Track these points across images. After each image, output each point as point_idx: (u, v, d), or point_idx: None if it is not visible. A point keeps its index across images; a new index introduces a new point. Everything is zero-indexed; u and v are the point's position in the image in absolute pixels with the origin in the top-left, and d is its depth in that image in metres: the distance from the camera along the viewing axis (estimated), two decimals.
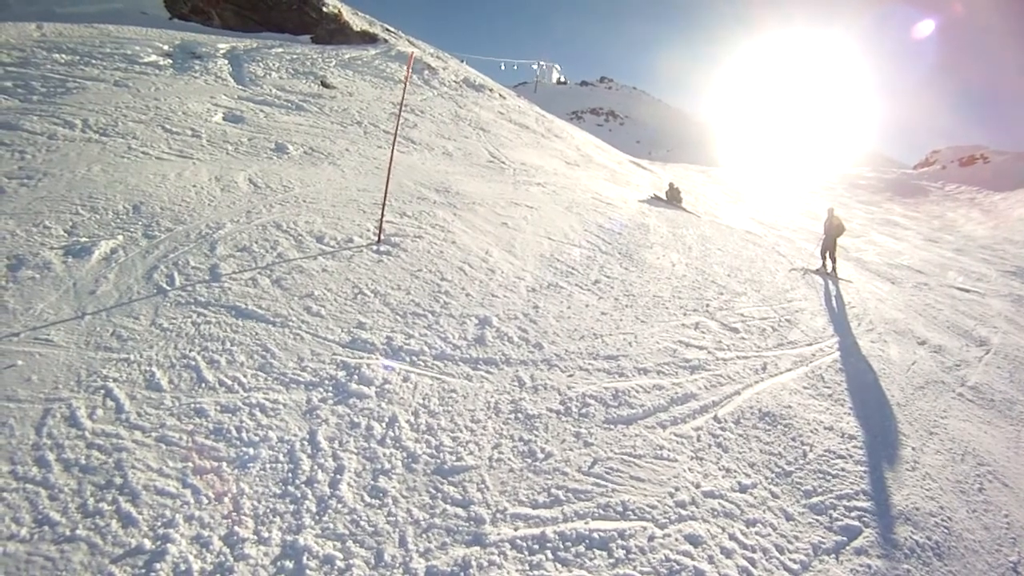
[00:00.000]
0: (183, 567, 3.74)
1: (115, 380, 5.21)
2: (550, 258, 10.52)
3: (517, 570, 4.24)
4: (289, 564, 3.87)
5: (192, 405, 5.03)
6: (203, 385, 5.31)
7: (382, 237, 9.22)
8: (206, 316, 6.33)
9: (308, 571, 3.85)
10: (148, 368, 5.40)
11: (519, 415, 5.95)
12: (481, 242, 10.28)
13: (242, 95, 15.75)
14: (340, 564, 3.95)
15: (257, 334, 6.18)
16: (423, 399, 5.83)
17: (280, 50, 21.34)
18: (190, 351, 5.73)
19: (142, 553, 3.80)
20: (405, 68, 21.59)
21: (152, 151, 10.81)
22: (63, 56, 15.82)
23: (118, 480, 4.26)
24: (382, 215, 9.46)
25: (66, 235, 7.49)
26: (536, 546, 4.45)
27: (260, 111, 14.74)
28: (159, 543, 3.87)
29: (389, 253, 8.82)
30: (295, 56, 21.24)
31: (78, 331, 5.80)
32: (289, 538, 4.03)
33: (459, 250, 9.63)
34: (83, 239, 7.39)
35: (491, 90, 29.10)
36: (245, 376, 5.52)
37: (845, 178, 62.22)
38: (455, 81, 27.22)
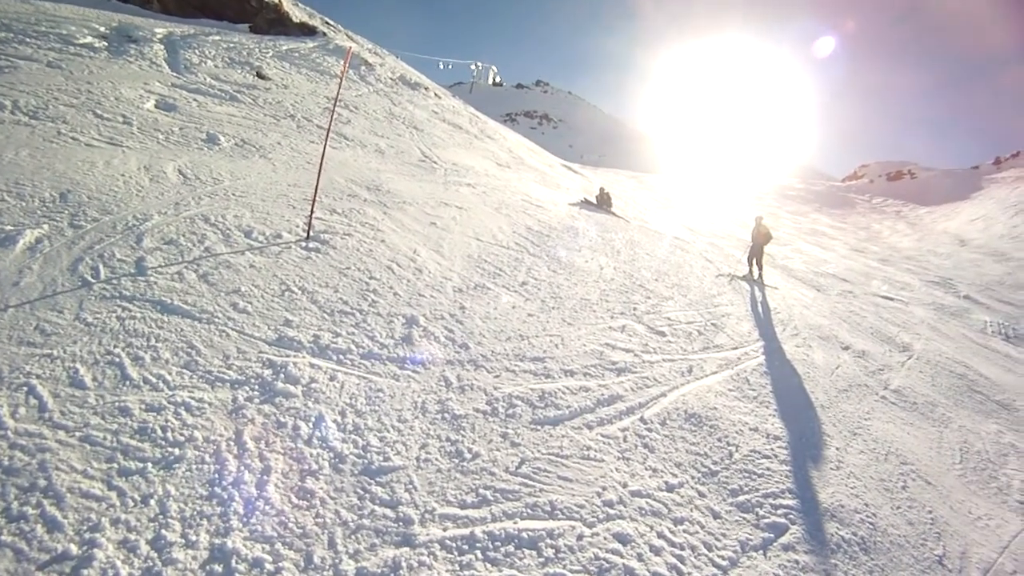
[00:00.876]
0: (111, 572, 3.66)
1: (38, 377, 5.05)
2: (478, 259, 10.57)
3: (447, 570, 4.26)
4: (218, 568, 3.82)
5: (117, 403, 4.90)
6: (128, 383, 5.17)
7: (311, 234, 9.16)
8: (131, 311, 6.16)
9: (237, 575, 3.81)
10: (72, 364, 5.24)
11: (446, 415, 5.98)
12: (410, 241, 10.29)
13: (176, 82, 15.39)
14: (270, 567, 3.91)
15: (183, 330, 6.05)
16: (350, 398, 5.81)
17: (217, 38, 20.87)
18: (115, 347, 5.58)
19: (69, 559, 3.72)
20: (342, 63, 21.41)
21: (82, 137, 10.52)
22: None
23: (42, 482, 4.14)
24: (312, 211, 9.39)
25: None
26: (466, 546, 4.49)
27: (193, 100, 14.45)
28: (86, 548, 3.79)
29: (318, 250, 8.76)
30: (232, 45, 20.83)
31: (0, 324, 5.61)
32: (217, 541, 3.97)
33: (388, 249, 9.62)
34: (7, 227, 7.13)
35: (427, 89, 29.02)
36: (170, 374, 5.41)
37: (775, 188, 63.91)
38: (391, 78, 27.06)
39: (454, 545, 4.47)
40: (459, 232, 11.71)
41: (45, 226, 7.38)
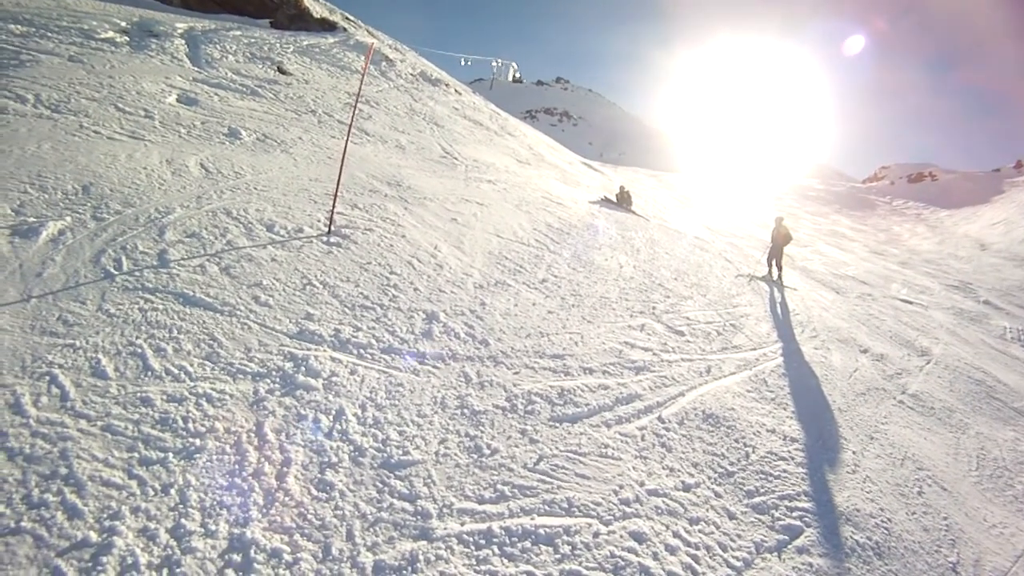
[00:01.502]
0: (130, 560, 3.68)
1: (60, 367, 5.10)
2: (498, 255, 10.57)
3: (464, 564, 4.26)
4: (236, 558, 3.83)
5: (138, 394, 4.94)
6: (149, 373, 5.22)
7: (332, 228, 9.18)
8: (153, 303, 6.22)
9: (256, 565, 3.82)
10: (94, 355, 5.29)
11: (465, 411, 5.99)
12: (430, 237, 10.30)
13: (197, 77, 15.48)
14: (288, 558, 3.93)
15: (205, 323, 6.10)
16: (370, 392, 5.82)
17: (238, 33, 21.05)
18: (137, 338, 5.63)
19: (88, 546, 3.74)
20: (363, 58, 21.42)
21: (104, 131, 10.59)
22: (19, 27, 15.45)
23: (63, 470, 4.17)
24: (333, 206, 9.41)
25: (13, 214, 7.30)
26: (483, 541, 4.49)
27: (215, 94, 14.53)
28: (105, 536, 3.81)
29: (339, 245, 8.78)
30: (253, 40, 20.97)
31: (23, 315, 5.65)
32: (236, 531, 3.98)
33: (409, 244, 9.63)
34: (31, 219, 7.20)
35: (447, 85, 29.05)
36: (192, 365, 5.44)
37: (795, 189, 63.51)
38: (412, 74, 27.11)
39: (471, 540, 4.47)
40: (480, 228, 11.72)
41: (68, 218, 7.45)
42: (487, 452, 5.46)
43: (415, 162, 15.56)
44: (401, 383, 6.11)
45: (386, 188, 12.17)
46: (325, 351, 6.24)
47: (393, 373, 6.24)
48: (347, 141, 9.90)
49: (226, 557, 3.82)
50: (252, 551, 3.89)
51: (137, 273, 6.68)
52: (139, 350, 5.47)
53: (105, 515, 3.93)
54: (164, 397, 4.97)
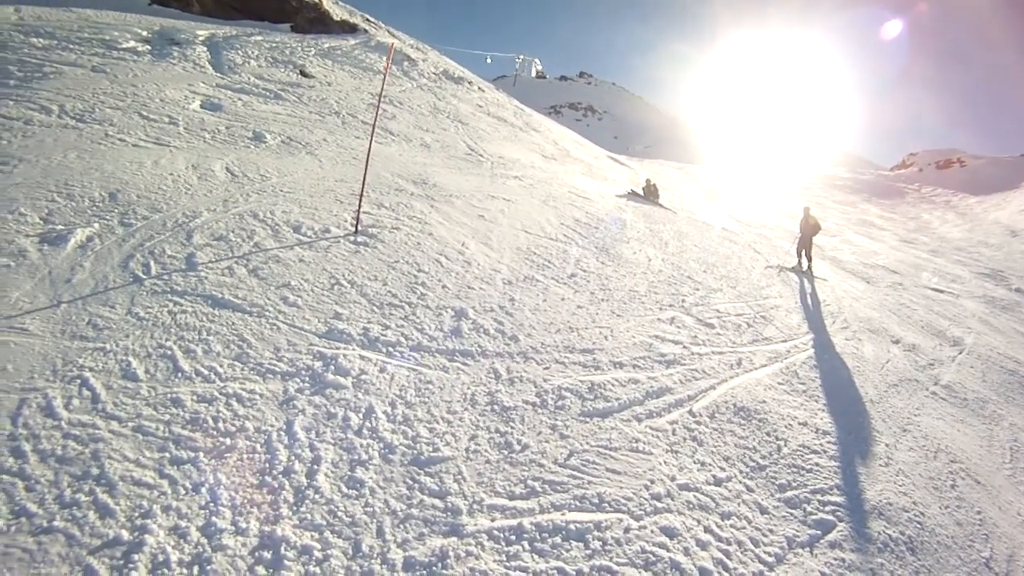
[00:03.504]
0: (161, 558, 3.73)
1: (91, 370, 5.18)
2: (526, 251, 10.53)
3: (495, 560, 4.25)
4: (267, 555, 3.87)
5: (168, 395, 5.01)
6: (179, 375, 5.28)
7: (359, 228, 9.20)
8: (182, 305, 6.29)
9: (286, 562, 3.84)
10: (124, 357, 5.37)
11: (495, 407, 5.97)
12: (458, 234, 10.29)
13: (220, 83, 15.63)
14: (318, 555, 3.95)
15: (233, 324, 6.15)
16: (400, 390, 5.83)
17: (259, 38, 21.18)
18: (166, 340, 5.70)
19: (120, 544, 3.80)
20: (384, 59, 21.47)
21: (129, 138, 10.72)
22: (41, 40, 15.64)
23: (95, 471, 4.24)
24: (359, 206, 9.42)
25: (42, 222, 7.41)
26: (513, 537, 4.47)
27: (238, 99, 14.66)
28: (137, 534, 3.87)
29: (366, 244, 8.80)
30: (274, 44, 21.10)
31: (54, 320, 5.75)
32: (267, 529, 4.02)
33: (436, 242, 9.63)
34: (59, 227, 7.31)
35: (470, 83, 29.06)
36: (221, 366, 5.50)
37: (822, 178, 62.82)
38: (434, 73, 27.15)
39: (502, 536, 4.46)
40: (507, 224, 11.71)
41: (96, 225, 7.56)
42: (517, 448, 5.45)
43: (440, 160, 15.58)
44: (431, 380, 6.12)
45: (412, 187, 12.19)
46: (354, 349, 6.27)
47: (422, 371, 6.25)
48: (371, 141, 9.90)
49: (256, 554, 3.86)
50: (282, 548, 3.92)
51: (166, 277, 6.76)
52: (169, 352, 5.54)
53: (136, 514, 3.99)
54: (194, 398, 5.03)
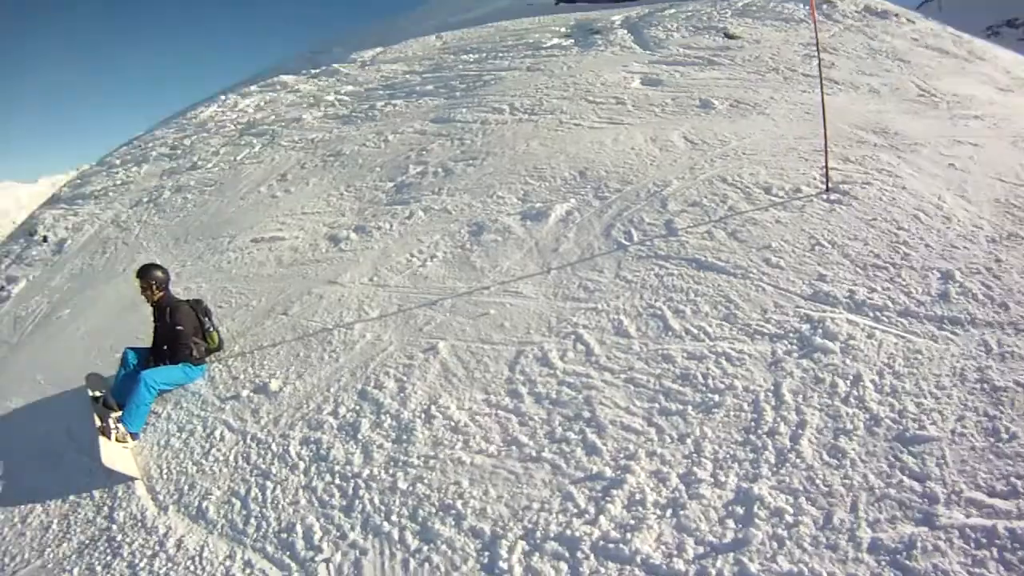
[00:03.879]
0: (638, 496, 4.15)
1: (584, 327, 5.94)
2: (1005, 203, 8.95)
3: (959, 562, 3.90)
4: (739, 510, 4.06)
5: (659, 351, 5.48)
6: (669, 333, 5.72)
7: (830, 185, 8.84)
8: (667, 268, 6.72)
9: (757, 520, 3.99)
10: (616, 316, 6.02)
11: (985, 385, 5.32)
12: (931, 187, 9.28)
13: (652, 59, 15.97)
14: (789, 519, 4.03)
15: (719, 285, 6.38)
16: (888, 358, 5.54)
17: (673, 11, 21.20)
18: (655, 301, 6.20)
19: (602, 479, 4.32)
20: (805, 6, 20.46)
21: (583, 122, 11.67)
22: (470, 56, 17.87)
23: (586, 414, 4.87)
24: (826, 162, 9.02)
25: (520, 202, 8.64)
26: (984, 539, 4.01)
27: (675, 71, 14.81)
28: (619, 472, 4.34)
29: (839, 202, 8.42)
30: (689, 13, 20.90)
31: (545, 284, 6.69)
32: (744, 485, 4.21)
33: (911, 196, 8.83)
34: (537, 204, 8.47)
35: (896, 15, 26.46)
36: (710, 326, 5.79)
37: None
38: (856, 11, 24.99)
39: (972, 536, 4.04)
40: (979, 173, 10.15)
41: (572, 200, 8.51)
42: (1004, 437, 4.81)
43: (893, 105, 14.18)
44: (919, 350, 5.70)
45: (873, 137, 11.35)
46: (840, 313, 6.12)
47: (911, 338, 5.85)
48: (823, 93, 9.48)
49: (729, 508, 4.07)
50: (756, 507, 4.06)
51: (647, 243, 7.29)
52: (658, 312, 6.03)
53: (622, 455, 4.48)
54: (684, 355, 5.42)
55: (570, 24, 20.39)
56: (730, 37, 18.66)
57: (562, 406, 5.05)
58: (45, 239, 18.91)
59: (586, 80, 14.31)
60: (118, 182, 20.60)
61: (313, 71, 23.58)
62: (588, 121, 11.70)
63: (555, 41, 18.53)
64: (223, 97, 24.81)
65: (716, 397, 4.95)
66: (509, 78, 15.50)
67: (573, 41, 18.43)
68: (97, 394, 7.80)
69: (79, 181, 24.02)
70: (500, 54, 18.21)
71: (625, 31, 18.93)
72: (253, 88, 24.20)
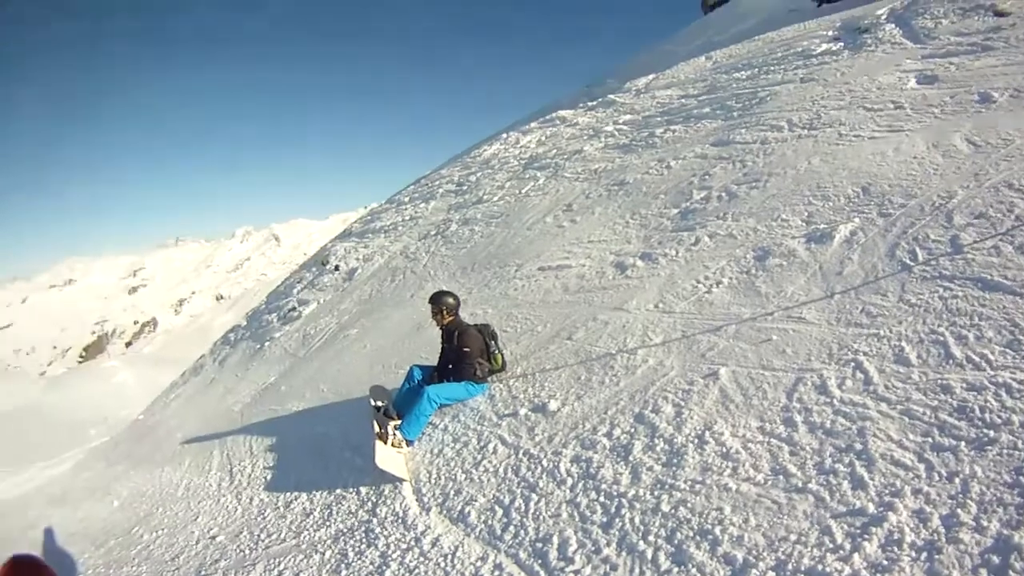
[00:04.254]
0: (896, 536, 4.00)
1: (864, 354, 5.81)
2: None
3: None
4: (995, 559, 3.73)
5: (938, 381, 5.22)
6: (950, 361, 5.43)
7: None
8: (952, 290, 6.38)
9: (1011, 572, 3.63)
10: (897, 343, 5.84)
11: None
12: None
13: (923, 53, 14.96)
14: None
15: (1004, 307, 5.89)
16: None
17: None
18: (938, 326, 5.92)
19: (863, 515, 4.21)
20: None
21: (862, 132, 11.29)
22: (742, 73, 17.80)
23: (857, 446, 4.78)
24: None
25: (804, 224, 8.60)
26: None
27: (949, 64, 13.70)
28: (882, 509, 4.20)
29: None
30: None
31: (827, 309, 6.61)
32: (1006, 532, 3.87)
33: None
34: (821, 226, 8.39)
35: None
36: (992, 353, 5.39)
37: None
38: None
39: None
40: None
41: (856, 219, 8.33)
42: None
43: None
44: None
45: None
46: None
47: None
48: None
49: (985, 556, 3.77)
50: (1012, 557, 3.71)
51: (932, 262, 6.96)
52: (940, 338, 5.75)
53: (887, 491, 4.33)
54: (963, 385, 5.11)
55: (836, 25, 19.50)
56: (1000, 14, 16.66)
57: (835, 436, 5.00)
58: (337, 268, 21.93)
59: (861, 86, 13.73)
60: (407, 217, 23.07)
61: (590, 104, 24.72)
62: (867, 131, 11.26)
63: (824, 47, 17.83)
64: (505, 135, 26.85)
65: (991, 433, 4.60)
66: (784, 92, 15.22)
67: (842, 44, 17.61)
68: (379, 404, 8.88)
69: (369, 217, 27.22)
70: (771, 68, 17.90)
71: (892, 25, 17.84)
72: (533, 125, 25.90)
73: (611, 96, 23.68)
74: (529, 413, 7.36)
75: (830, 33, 19.01)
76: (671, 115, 18.06)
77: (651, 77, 24.04)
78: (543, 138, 23.31)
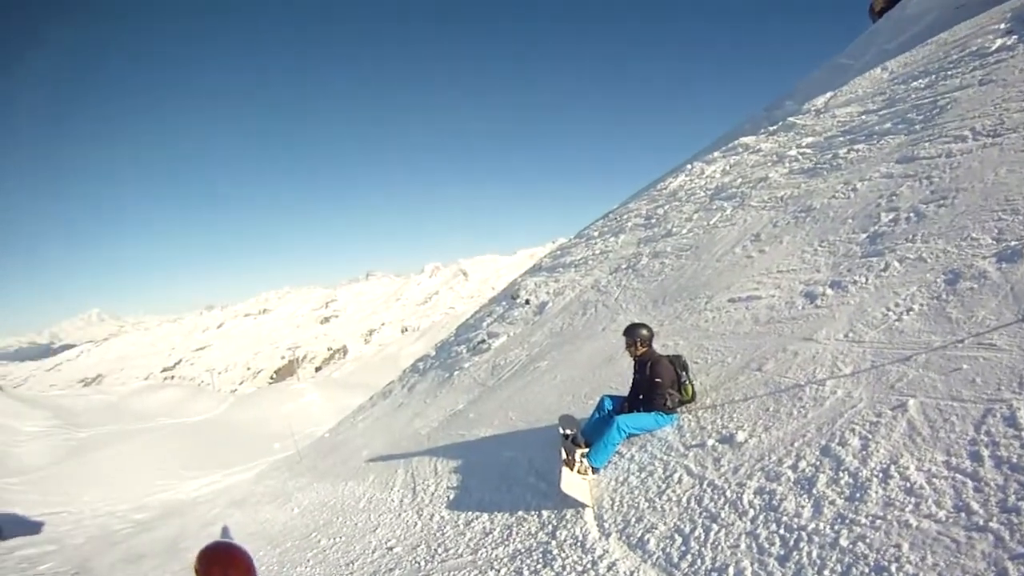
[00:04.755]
0: None
1: None
2: None
3: None
4: None
5: None
6: None
7: None
8: None
9: None
10: None
11: None
12: None
13: None
14: None
15: None
16: None
17: None
18: None
19: None
20: None
21: None
22: (919, 82, 17.06)
23: None
24: None
25: (994, 242, 8.28)
26: None
27: None
28: None
29: None
30: None
31: (1019, 335, 6.35)
32: None
33: None
34: (1012, 243, 8.03)
35: None
36: None
37: None
38: None
39: None
40: None
41: None
42: None
43: None
44: None
45: None
46: None
47: None
48: None
49: None
50: None
51: None
52: None
53: None
54: None
55: (1006, 17, 18.27)
56: None
57: (1020, 472, 4.76)
58: (527, 302, 22.49)
59: None
60: (597, 251, 23.45)
61: (770, 128, 24.20)
62: None
63: (998, 42, 16.65)
64: (689, 166, 26.69)
65: None
66: (963, 98, 14.37)
67: (1016, 38, 16.38)
68: (568, 432, 9.21)
69: (559, 252, 27.91)
70: (948, 72, 16.91)
71: None
72: (716, 154, 25.59)
73: (791, 118, 23.06)
74: (716, 444, 7.38)
75: (1002, 27, 17.73)
76: (853, 134, 17.44)
77: (829, 95, 23.25)
78: (727, 167, 23.01)
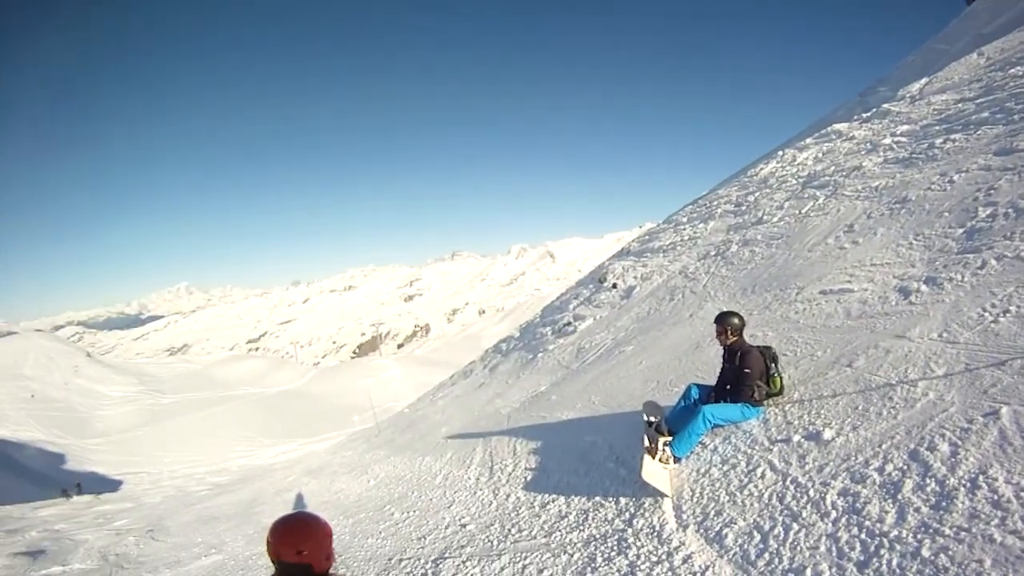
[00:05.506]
0: None
1: None
2: None
3: None
4: None
5: None
6: None
7: None
8: None
9: None
10: None
11: None
12: None
13: None
14: None
15: None
16: None
17: None
18: None
19: None
20: None
21: None
22: (1018, 68, 16.54)
23: None
24: None
25: None
26: None
27: None
28: None
29: None
30: None
31: None
32: None
33: None
34: None
35: None
36: None
37: None
38: None
39: None
40: None
41: None
42: None
43: None
44: None
45: None
46: None
47: None
48: None
49: None
50: None
51: None
52: None
53: None
54: None
55: None
56: None
57: None
58: (615, 286, 22.43)
59: None
60: (685, 237, 23.16)
61: (864, 115, 23.40)
62: None
63: None
64: (780, 153, 26.11)
65: None
66: None
67: None
68: (652, 419, 9.08)
69: (647, 237, 27.68)
70: None
71: None
72: (808, 140, 24.94)
73: (885, 105, 22.30)
74: (802, 440, 7.15)
75: None
76: (950, 123, 16.77)
77: (924, 81, 22.45)
78: (820, 154, 22.43)
